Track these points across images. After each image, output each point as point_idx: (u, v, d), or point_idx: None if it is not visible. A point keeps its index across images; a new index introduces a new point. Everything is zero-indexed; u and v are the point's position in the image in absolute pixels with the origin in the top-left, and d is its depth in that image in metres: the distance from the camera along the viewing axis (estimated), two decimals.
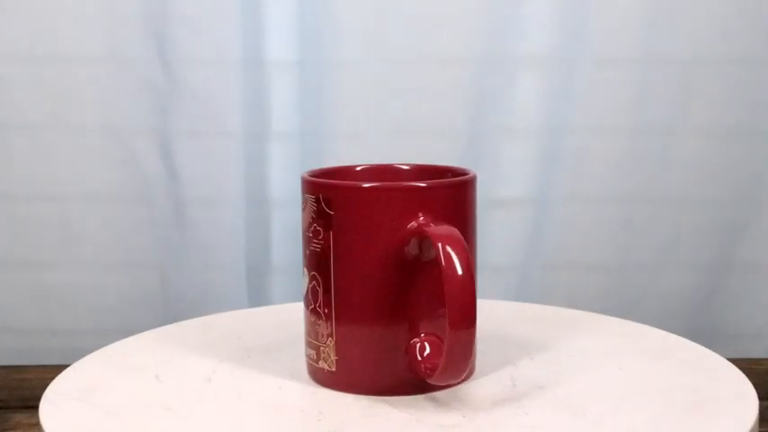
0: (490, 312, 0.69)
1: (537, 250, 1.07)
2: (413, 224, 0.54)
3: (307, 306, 0.58)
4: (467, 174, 0.58)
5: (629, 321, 0.71)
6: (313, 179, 0.58)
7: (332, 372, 0.57)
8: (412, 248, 0.55)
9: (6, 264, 1.05)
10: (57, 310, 1.06)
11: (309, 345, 0.59)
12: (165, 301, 1.06)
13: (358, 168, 0.64)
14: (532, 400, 0.56)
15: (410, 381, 0.56)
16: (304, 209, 0.58)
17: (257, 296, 1.08)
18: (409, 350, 0.56)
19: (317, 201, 0.56)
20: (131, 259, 1.06)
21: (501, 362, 0.62)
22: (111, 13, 1.01)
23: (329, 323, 0.57)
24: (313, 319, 0.58)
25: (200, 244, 1.04)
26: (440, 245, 0.51)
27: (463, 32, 1.02)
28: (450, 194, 0.57)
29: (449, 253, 0.51)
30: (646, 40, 1.03)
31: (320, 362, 0.58)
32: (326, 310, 0.57)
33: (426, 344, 0.56)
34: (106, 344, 0.67)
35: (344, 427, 0.53)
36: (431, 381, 0.55)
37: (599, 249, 1.07)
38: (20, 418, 0.92)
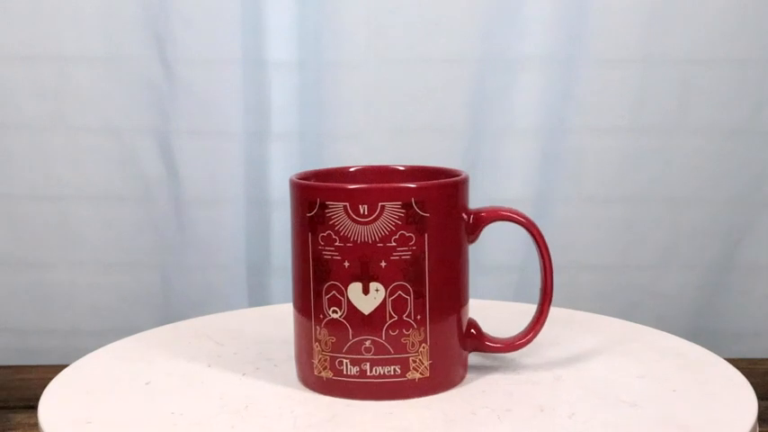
0: (490, 313, 0.69)
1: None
2: (478, 213, 0.58)
3: (377, 322, 0.55)
4: (461, 173, 0.59)
5: (629, 322, 0.71)
6: (404, 185, 0.55)
7: (425, 378, 0.56)
8: (474, 236, 0.57)
9: (6, 264, 1.05)
10: (57, 310, 1.06)
11: (383, 363, 0.55)
12: (165, 301, 1.06)
13: (351, 169, 0.64)
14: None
15: (465, 361, 0.59)
16: (369, 219, 0.54)
17: (257, 296, 1.08)
18: (467, 332, 0.58)
19: (408, 205, 0.54)
20: (131, 259, 1.06)
21: (502, 362, 0.62)
22: (111, 13, 1.01)
23: (422, 329, 0.55)
24: (395, 333, 0.55)
25: (200, 244, 1.04)
26: (530, 226, 0.58)
27: (463, 33, 1.02)
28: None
29: (541, 234, 0.59)
30: (646, 40, 1.03)
31: (410, 373, 0.55)
32: (419, 317, 0.55)
33: (470, 323, 0.59)
34: (106, 344, 0.67)
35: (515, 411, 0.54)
36: (506, 351, 0.59)
37: (599, 250, 1.07)
38: (20, 418, 0.92)
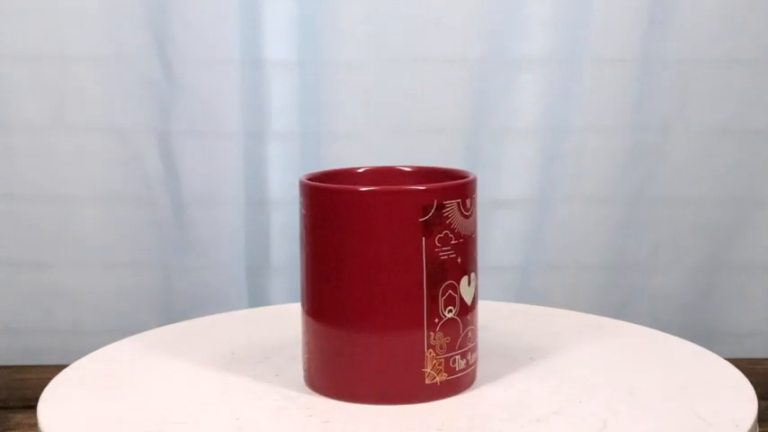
0: (490, 313, 0.69)
1: (537, 250, 1.07)
2: None
3: (473, 309, 0.57)
4: (468, 174, 0.59)
5: (628, 323, 0.71)
6: (472, 178, 0.57)
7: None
8: None
9: (7, 263, 1.05)
10: (57, 310, 1.06)
11: (475, 348, 0.57)
12: (165, 301, 1.06)
13: (360, 170, 0.64)
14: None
15: None
16: (470, 212, 0.56)
17: (257, 296, 1.08)
18: None
19: (475, 197, 0.57)
20: (132, 259, 1.06)
21: (501, 365, 0.62)
22: (112, 13, 1.01)
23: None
24: (478, 317, 0.58)
25: (200, 244, 1.04)
26: None
27: (463, 33, 1.02)
28: None
29: None
30: (645, 40, 1.03)
31: (472, 359, 0.57)
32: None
33: None
34: (106, 344, 0.67)
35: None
36: None
37: (598, 249, 1.07)
38: (20, 418, 0.92)
